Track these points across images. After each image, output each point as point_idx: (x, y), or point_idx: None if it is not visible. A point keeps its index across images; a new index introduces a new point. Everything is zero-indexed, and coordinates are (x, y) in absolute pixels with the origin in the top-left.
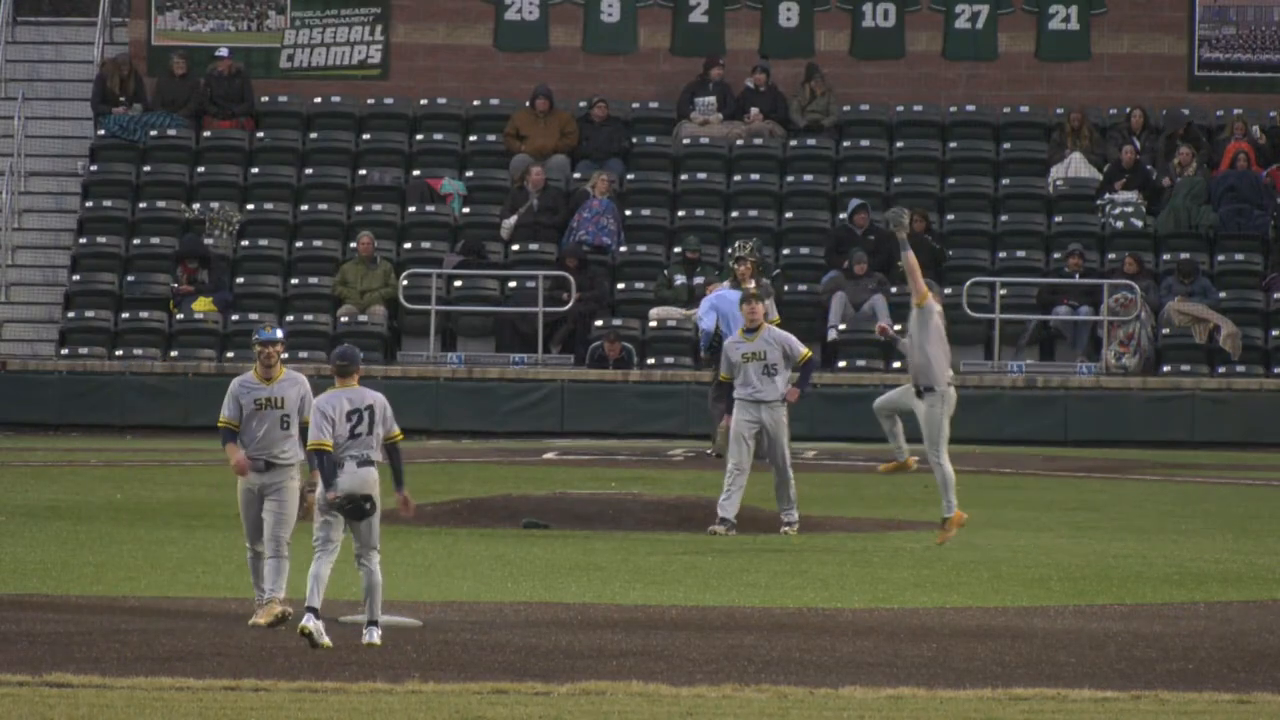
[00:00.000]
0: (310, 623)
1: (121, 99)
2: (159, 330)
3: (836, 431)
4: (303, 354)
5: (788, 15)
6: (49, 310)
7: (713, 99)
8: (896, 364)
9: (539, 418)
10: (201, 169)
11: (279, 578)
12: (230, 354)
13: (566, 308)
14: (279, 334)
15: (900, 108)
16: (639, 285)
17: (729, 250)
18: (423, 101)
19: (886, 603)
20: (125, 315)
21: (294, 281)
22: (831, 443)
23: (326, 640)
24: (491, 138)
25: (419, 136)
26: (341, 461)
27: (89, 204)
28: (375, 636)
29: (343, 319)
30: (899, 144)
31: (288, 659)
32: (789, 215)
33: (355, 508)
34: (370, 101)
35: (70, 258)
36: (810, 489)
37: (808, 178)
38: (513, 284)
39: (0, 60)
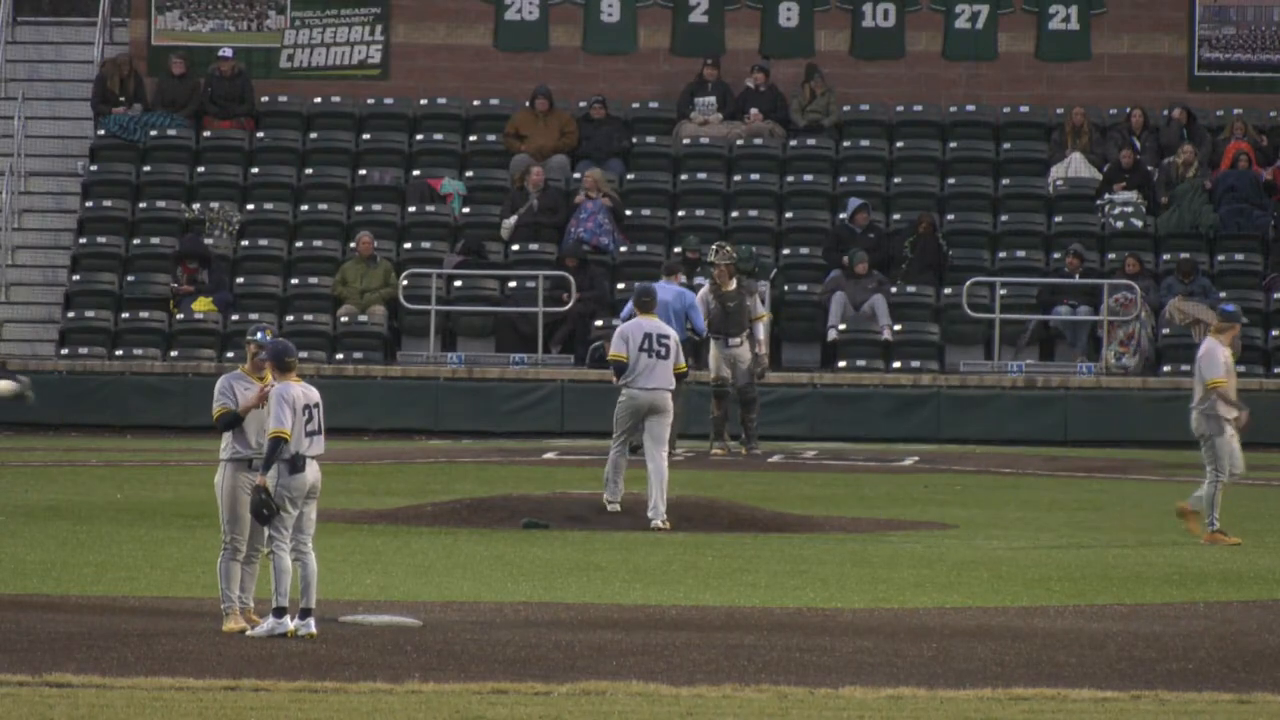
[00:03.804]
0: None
1: (121, 99)
2: (159, 330)
3: (836, 431)
4: (303, 354)
5: (788, 15)
6: (49, 310)
7: (713, 99)
8: (896, 364)
9: (539, 418)
10: (201, 169)
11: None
12: (230, 354)
13: (566, 308)
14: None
15: (900, 108)
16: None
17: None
18: (423, 101)
19: (886, 603)
20: (125, 315)
21: (294, 281)
22: (831, 443)
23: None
24: (491, 138)
25: (419, 136)
26: (302, 459)
27: (89, 204)
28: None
29: (343, 319)
30: (899, 144)
31: (288, 659)
32: (789, 215)
33: (268, 509)
34: (370, 101)
35: (70, 258)
36: (810, 489)
37: (808, 178)
38: (513, 284)
39: (0, 60)
